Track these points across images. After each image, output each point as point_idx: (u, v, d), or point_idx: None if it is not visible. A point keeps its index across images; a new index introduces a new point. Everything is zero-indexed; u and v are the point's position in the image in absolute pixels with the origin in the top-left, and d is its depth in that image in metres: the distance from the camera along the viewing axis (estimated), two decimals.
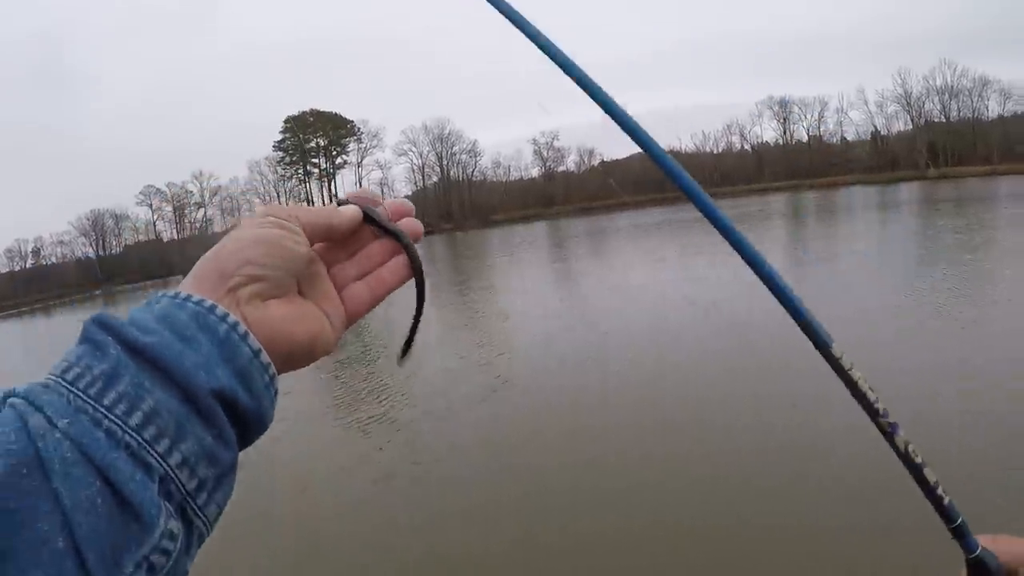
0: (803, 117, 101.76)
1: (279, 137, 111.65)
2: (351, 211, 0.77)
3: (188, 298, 0.60)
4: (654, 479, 7.55)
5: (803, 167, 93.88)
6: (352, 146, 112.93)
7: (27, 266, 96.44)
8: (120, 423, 0.51)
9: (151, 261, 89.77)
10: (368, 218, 0.79)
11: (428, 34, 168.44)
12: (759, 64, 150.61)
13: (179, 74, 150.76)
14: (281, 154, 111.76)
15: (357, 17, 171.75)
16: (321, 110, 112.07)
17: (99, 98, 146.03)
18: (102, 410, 0.51)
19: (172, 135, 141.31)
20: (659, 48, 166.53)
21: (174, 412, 0.54)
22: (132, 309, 0.59)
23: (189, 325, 0.58)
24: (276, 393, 0.63)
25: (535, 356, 14.07)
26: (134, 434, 0.51)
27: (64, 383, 0.52)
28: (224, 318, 0.60)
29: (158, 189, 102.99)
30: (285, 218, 0.70)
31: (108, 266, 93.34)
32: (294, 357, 0.68)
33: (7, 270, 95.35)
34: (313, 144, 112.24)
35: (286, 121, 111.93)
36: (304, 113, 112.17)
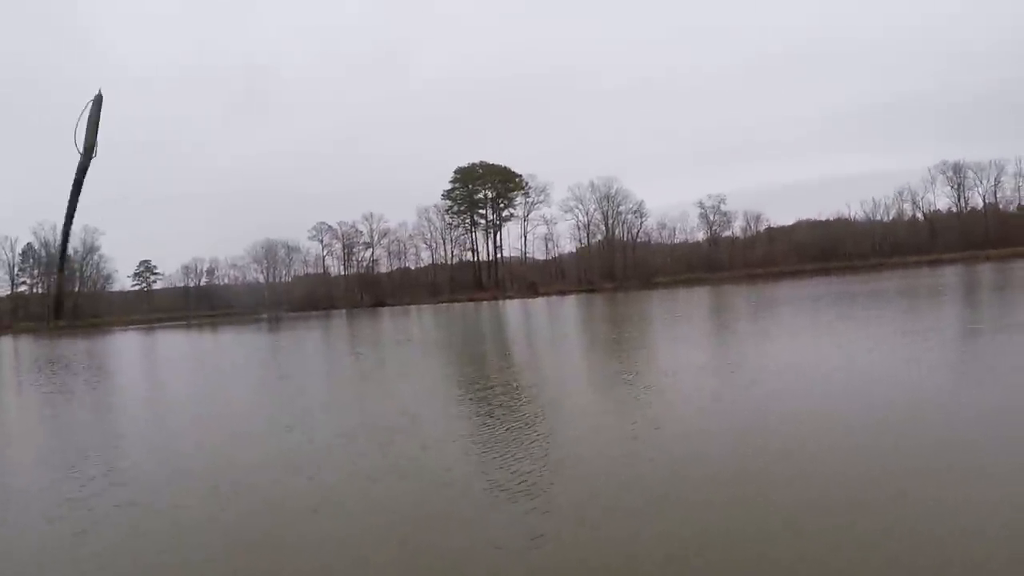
0: (978, 182, 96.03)
1: (448, 186, 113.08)
2: None
3: None
4: None
5: (978, 237, 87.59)
6: (519, 199, 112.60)
7: (200, 283, 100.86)
8: None
9: (316, 293, 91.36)
10: None
11: (601, 90, 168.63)
12: (932, 127, 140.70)
13: (362, 118, 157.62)
14: (449, 203, 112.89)
15: (535, 74, 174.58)
16: (490, 162, 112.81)
17: (288, 132, 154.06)
18: None
19: (348, 175, 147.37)
20: (827, 113, 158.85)
21: None
22: None
23: None
24: None
25: None
26: None
27: None
28: None
29: (329, 226, 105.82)
30: None
31: (275, 293, 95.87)
32: None
33: (182, 284, 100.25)
34: (481, 195, 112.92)
35: (456, 171, 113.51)
36: (474, 164, 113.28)
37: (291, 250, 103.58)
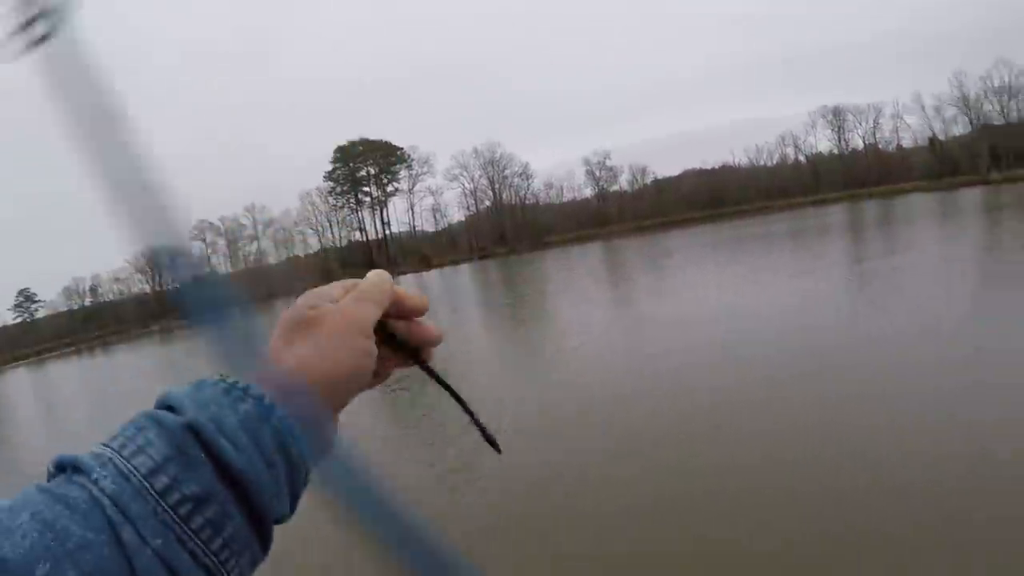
0: (858, 125, 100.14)
1: (329, 167, 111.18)
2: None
3: (273, 409, 0.60)
4: None
5: (860, 176, 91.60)
6: (403, 173, 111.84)
7: (85, 304, 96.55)
8: (203, 548, 0.54)
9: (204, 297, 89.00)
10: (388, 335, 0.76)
11: (476, 59, 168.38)
12: (810, 75, 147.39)
13: (232, 112, 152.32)
14: (332, 184, 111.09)
15: (402, 51, 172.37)
16: (370, 139, 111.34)
17: (151, 138, 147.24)
18: (189, 533, 0.54)
19: (224, 172, 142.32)
20: (708, 64, 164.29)
21: (245, 536, 0.58)
22: (218, 393, 0.60)
23: (273, 447, 0.59)
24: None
25: None
26: (214, 557, 0.55)
27: (153, 493, 0.54)
28: (299, 441, 0.61)
29: (211, 223, 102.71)
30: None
31: (164, 303, 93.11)
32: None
33: (65, 308, 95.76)
34: (364, 173, 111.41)
35: (336, 151, 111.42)
36: (353, 142, 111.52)
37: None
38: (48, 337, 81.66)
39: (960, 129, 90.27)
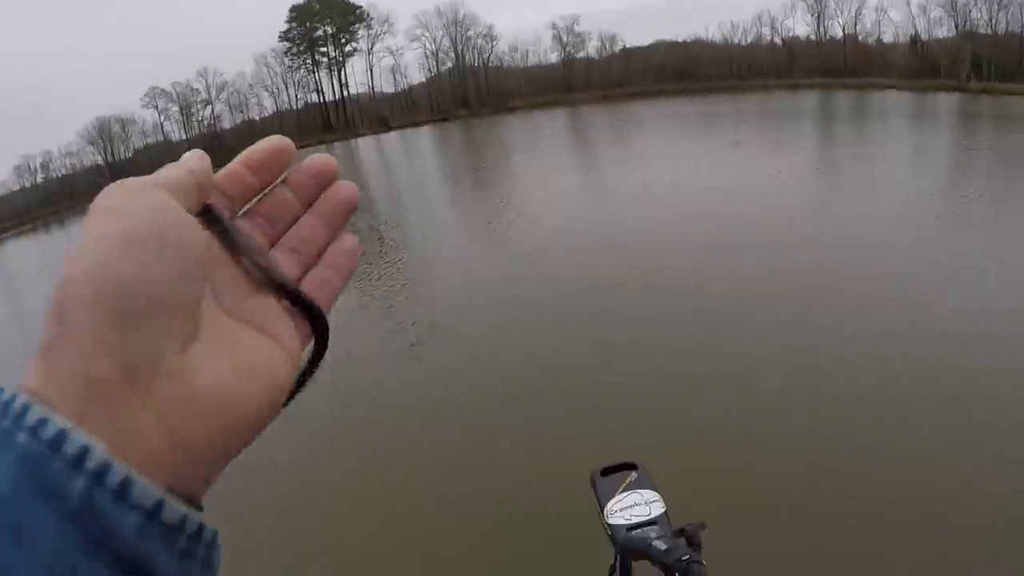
0: (839, 13, 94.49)
1: (285, 27, 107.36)
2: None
3: (19, 421, 0.31)
4: None
5: (836, 66, 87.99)
6: (362, 32, 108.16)
7: (37, 181, 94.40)
8: None
9: (160, 163, 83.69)
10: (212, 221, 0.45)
11: None
12: None
13: None
14: (287, 44, 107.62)
15: None
16: None
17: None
18: None
19: (175, 36, 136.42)
20: None
21: None
22: None
23: (15, 497, 0.29)
24: (214, 548, 0.36)
25: None
26: None
27: None
28: (83, 458, 0.31)
29: (163, 90, 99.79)
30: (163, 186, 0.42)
31: (118, 172, 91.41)
32: (241, 437, 0.39)
33: (18, 187, 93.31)
34: (321, 32, 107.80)
35: (291, 10, 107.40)
36: (310, 1, 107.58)
37: (126, 123, 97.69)
38: (5, 217, 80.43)
39: (944, 32, 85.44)
